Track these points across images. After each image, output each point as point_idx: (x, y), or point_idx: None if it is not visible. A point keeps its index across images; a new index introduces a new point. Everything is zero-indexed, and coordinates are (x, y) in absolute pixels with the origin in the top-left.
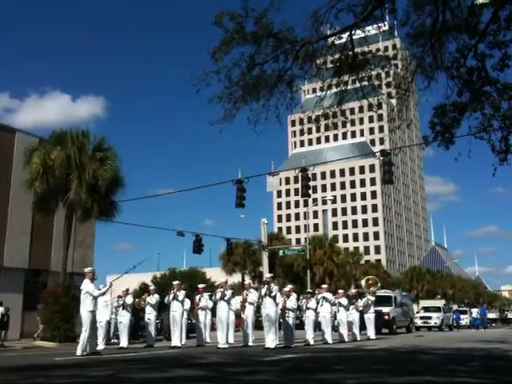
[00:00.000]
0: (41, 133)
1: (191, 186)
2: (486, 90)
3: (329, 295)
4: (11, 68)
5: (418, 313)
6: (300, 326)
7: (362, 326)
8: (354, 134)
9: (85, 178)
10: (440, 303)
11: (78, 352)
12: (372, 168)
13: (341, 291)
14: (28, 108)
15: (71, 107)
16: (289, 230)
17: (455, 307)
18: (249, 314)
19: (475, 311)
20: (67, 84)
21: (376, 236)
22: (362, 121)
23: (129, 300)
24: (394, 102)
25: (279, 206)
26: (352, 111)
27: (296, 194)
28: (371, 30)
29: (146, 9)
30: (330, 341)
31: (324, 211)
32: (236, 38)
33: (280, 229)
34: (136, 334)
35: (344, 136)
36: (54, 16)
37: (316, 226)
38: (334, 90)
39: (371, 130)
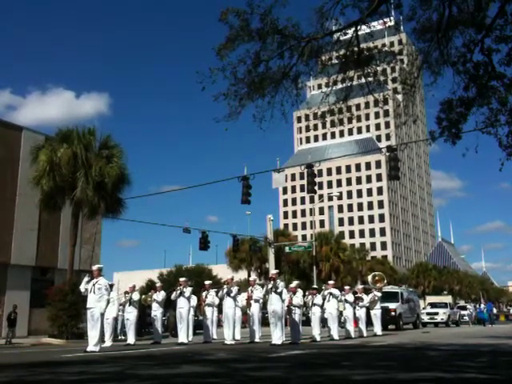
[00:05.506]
0: (43, 130)
1: (196, 183)
2: (493, 85)
3: (335, 291)
4: (13, 64)
5: (424, 309)
6: (306, 322)
7: (369, 322)
8: (359, 130)
9: (91, 176)
10: (447, 299)
11: (97, 348)
12: (378, 164)
13: (347, 287)
14: (30, 105)
15: (75, 104)
16: (295, 226)
17: (462, 303)
18: (254, 310)
19: (482, 307)
20: (71, 81)
21: (382, 232)
22: (367, 117)
23: (135, 296)
24: (399, 97)
25: (285, 203)
26: (358, 107)
27: (302, 190)
28: (377, 25)
29: (150, 5)
30: (336, 337)
31: (330, 207)
32: (241, 35)
33: (286, 225)
34: (140, 330)
35: (350, 132)
36: (58, 12)
37: (322, 223)
38: (340, 86)
39: (377, 126)
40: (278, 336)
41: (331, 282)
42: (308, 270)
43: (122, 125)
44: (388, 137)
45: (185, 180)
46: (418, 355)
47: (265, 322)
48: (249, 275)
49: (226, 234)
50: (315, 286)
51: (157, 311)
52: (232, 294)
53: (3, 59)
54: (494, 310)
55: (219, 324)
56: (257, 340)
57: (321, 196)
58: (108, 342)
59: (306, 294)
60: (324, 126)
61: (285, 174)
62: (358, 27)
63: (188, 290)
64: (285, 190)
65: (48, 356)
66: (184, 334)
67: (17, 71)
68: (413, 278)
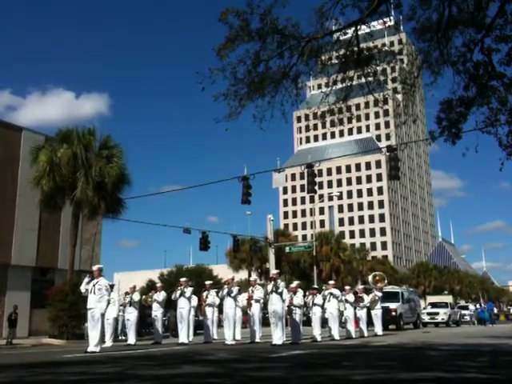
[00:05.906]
0: (43, 130)
1: (196, 183)
2: (493, 85)
3: (336, 291)
4: (13, 64)
5: (425, 309)
6: (307, 322)
7: (369, 322)
8: (359, 130)
9: (91, 176)
10: (447, 299)
11: (98, 348)
12: (378, 164)
13: (348, 287)
14: (30, 105)
15: (75, 104)
16: (295, 226)
17: (463, 303)
18: (255, 310)
19: (483, 306)
20: (71, 81)
21: (383, 232)
22: (367, 116)
23: (136, 297)
24: (399, 97)
25: (285, 203)
26: (358, 107)
27: (302, 190)
28: (377, 25)
29: (150, 5)
30: (337, 337)
31: (330, 207)
32: (241, 35)
33: (286, 225)
34: (141, 330)
35: (350, 132)
36: (58, 12)
37: (322, 223)
38: (340, 85)
39: (377, 126)
40: (278, 336)
41: (332, 282)
42: (308, 270)
43: (121, 125)
44: (388, 136)
45: (185, 180)
46: (419, 355)
47: (265, 322)
48: (249, 275)
49: (227, 235)
50: (316, 286)
51: (157, 311)
52: (232, 294)
53: (3, 59)
54: (495, 310)
55: (220, 324)
56: (257, 340)
57: (321, 196)
58: (108, 343)
59: (307, 294)
60: (324, 126)
61: (285, 174)
62: (358, 27)
63: (188, 291)
64: (285, 190)
65: (48, 356)
66: (184, 335)
67: (17, 71)
68: (413, 278)
